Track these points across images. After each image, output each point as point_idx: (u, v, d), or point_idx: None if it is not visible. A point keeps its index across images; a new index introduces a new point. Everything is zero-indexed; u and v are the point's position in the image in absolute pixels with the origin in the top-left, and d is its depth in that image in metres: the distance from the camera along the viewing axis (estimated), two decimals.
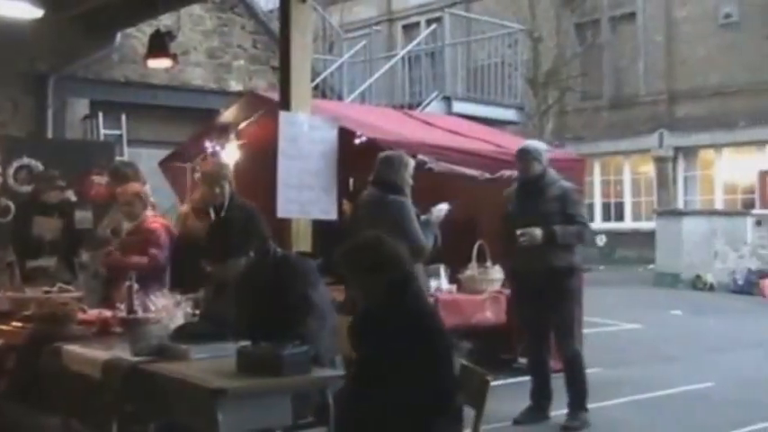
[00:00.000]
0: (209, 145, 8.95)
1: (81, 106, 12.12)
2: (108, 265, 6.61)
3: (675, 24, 21.57)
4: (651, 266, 17.91)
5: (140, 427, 4.00)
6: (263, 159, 7.59)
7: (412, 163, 6.23)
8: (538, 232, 6.14)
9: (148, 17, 11.05)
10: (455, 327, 7.20)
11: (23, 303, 5.52)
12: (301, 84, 7.22)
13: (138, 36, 11.85)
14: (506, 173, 7.64)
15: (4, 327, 5.20)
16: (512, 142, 8.97)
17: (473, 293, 7.74)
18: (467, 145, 8.30)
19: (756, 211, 18.82)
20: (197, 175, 7.86)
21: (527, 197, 6.36)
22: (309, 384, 3.72)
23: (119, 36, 11.72)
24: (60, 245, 7.76)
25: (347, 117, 8.06)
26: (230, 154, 8.76)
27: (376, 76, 14.34)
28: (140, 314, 4.63)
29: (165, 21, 11.85)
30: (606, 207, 23.12)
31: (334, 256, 3.75)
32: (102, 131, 11.64)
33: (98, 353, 4.17)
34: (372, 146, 7.14)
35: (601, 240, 20.40)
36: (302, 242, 6.91)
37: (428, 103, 13.91)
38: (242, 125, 8.96)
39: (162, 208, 9.58)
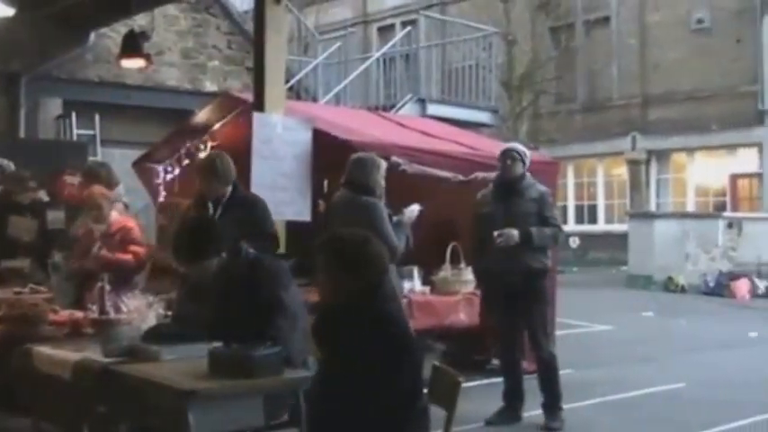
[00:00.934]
0: (182, 145, 8.92)
1: (54, 106, 12.04)
2: (98, 265, 6.51)
3: (649, 29, 21.77)
4: (623, 268, 18.05)
5: (111, 429, 3.99)
6: (236, 160, 7.51)
7: (384, 164, 6.24)
8: (515, 233, 6.18)
9: (122, 17, 11.00)
10: (429, 328, 7.23)
11: None
12: (275, 85, 7.22)
13: (112, 36, 11.79)
14: (480, 175, 7.67)
15: None
16: (486, 145, 9.02)
17: (446, 295, 7.75)
18: (440, 147, 8.32)
19: (727, 213, 19.05)
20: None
21: (505, 198, 6.39)
22: (281, 385, 3.72)
23: (92, 36, 11.67)
24: (34, 245, 7.71)
25: (321, 118, 8.06)
26: (204, 155, 8.73)
27: (351, 77, 14.34)
28: (112, 315, 4.62)
29: (140, 21, 11.81)
30: (579, 209, 23.27)
31: (315, 243, 3.67)
32: (76, 131, 11.58)
33: (69, 354, 4.14)
34: (346, 147, 7.14)
35: (574, 242, 20.53)
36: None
37: (402, 105, 13.93)
38: (216, 126, 8.92)
39: (135, 208, 9.54)
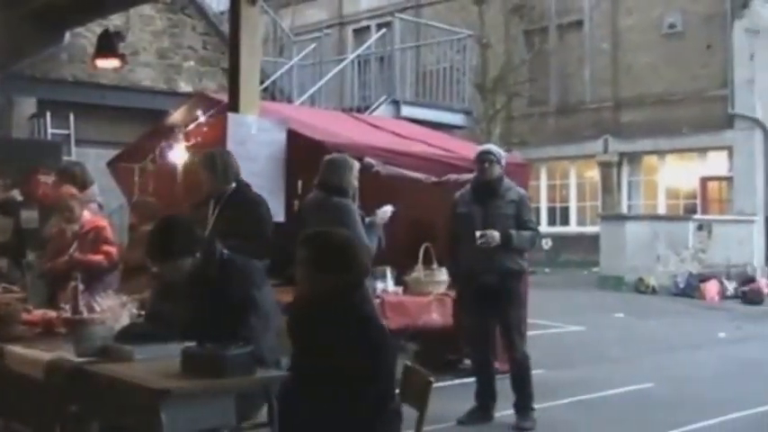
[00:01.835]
0: (157, 146, 8.90)
1: (28, 105, 11.97)
2: (70, 266, 6.49)
3: (621, 33, 21.92)
4: (595, 270, 18.18)
5: (84, 429, 3.99)
6: None
7: (357, 166, 6.28)
8: (497, 234, 6.25)
9: (98, 16, 10.96)
10: (402, 328, 7.27)
11: None
12: (250, 86, 7.24)
13: (87, 35, 11.75)
14: (453, 176, 7.73)
15: None
16: (458, 147, 9.08)
17: (419, 295, 7.79)
18: (414, 148, 8.37)
19: (698, 216, 19.27)
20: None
21: (484, 200, 6.44)
22: (253, 385, 3.73)
23: (67, 35, 11.60)
24: (9, 245, 7.69)
25: (296, 119, 8.09)
26: (178, 155, 8.72)
27: (325, 79, 14.36)
28: (85, 315, 4.62)
29: (115, 21, 11.77)
30: (552, 211, 23.39)
31: (297, 240, 3.65)
32: (50, 131, 11.52)
33: (41, 354, 4.12)
34: (320, 148, 7.18)
35: (546, 244, 20.65)
36: None
37: (377, 107, 13.97)
38: (190, 126, 8.91)
39: (109, 208, 9.52)
